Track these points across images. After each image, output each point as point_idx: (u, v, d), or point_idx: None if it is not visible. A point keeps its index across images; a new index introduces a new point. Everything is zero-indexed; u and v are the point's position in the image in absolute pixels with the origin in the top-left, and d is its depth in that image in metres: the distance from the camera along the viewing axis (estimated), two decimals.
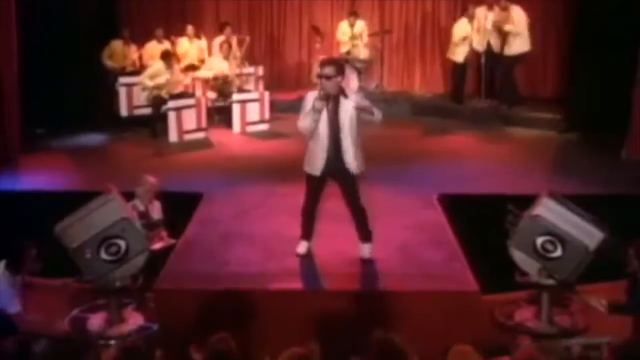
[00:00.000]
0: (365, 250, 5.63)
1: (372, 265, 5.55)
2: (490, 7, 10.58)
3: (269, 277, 5.38)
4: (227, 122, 10.23)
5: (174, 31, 11.03)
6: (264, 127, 10.21)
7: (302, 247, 5.71)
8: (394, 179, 7.65)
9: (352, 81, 10.73)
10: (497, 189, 7.34)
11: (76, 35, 10.13)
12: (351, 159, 5.32)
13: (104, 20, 10.80)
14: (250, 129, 10.07)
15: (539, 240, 5.24)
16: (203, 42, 11.26)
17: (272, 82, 11.50)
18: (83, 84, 10.17)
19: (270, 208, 6.80)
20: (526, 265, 5.35)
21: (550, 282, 5.31)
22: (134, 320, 5.44)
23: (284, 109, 10.71)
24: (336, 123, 5.25)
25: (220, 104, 10.50)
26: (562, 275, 5.22)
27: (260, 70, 11.29)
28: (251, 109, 10.11)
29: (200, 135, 9.70)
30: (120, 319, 5.41)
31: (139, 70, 10.44)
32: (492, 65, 10.76)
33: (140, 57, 10.91)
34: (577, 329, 5.33)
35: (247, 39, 11.09)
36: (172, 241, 6.07)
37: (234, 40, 10.94)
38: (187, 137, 9.57)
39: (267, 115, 10.26)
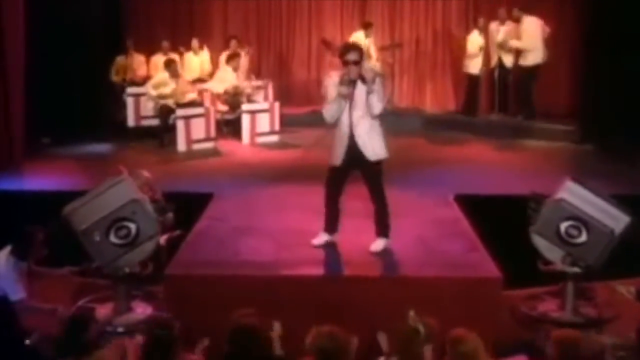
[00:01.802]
0: (379, 244, 5.53)
1: (390, 254, 5.49)
2: (502, 22, 10.68)
3: (283, 265, 5.32)
4: (237, 134, 10.22)
5: (180, 43, 11.09)
6: (274, 138, 10.20)
7: (320, 239, 5.63)
8: (409, 182, 7.62)
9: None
10: (514, 190, 7.25)
11: (83, 44, 10.19)
12: (367, 146, 5.30)
13: (111, 31, 10.88)
14: (260, 140, 10.06)
15: (563, 226, 5.15)
16: (206, 54, 11.30)
17: (281, 98, 11.48)
18: (90, 94, 10.21)
19: (283, 205, 6.75)
20: (549, 252, 5.25)
21: (575, 269, 5.20)
22: (142, 310, 5.33)
23: (293, 124, 10.73)
24: (352, 110, 5.25)
25: (230, 117, 10.50)
26: (587, 262, 5.11)
27: (270, 83, 11.30)
28: (261, 120, 10.11)
29: (209, 145, 9.70)
30: (128, 309, 5.30)
31: (145, 82, 10.47)
32: (505, 79, 10.79)
33: (147, 70, 10.94)
34: (604, 319, 5.21)
35: (249, 50, 11.16)
36: (177, 232, 5.96)
37: (243, 55, 11.01)
38: (196, 146, 9.56)
39: (277, 127, 10.26)
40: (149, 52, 11.06)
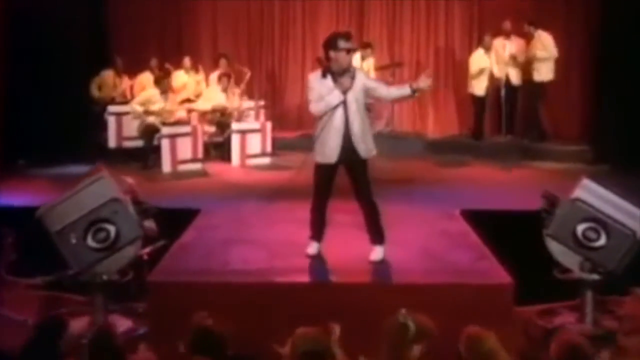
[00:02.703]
0: (378, 252, 5.42)
1: (391, 262, 5.39)
2: (507, 37, 10.73)
3: (276, 272, 5.24)
4: (226, 158, 10.16)
5: (169, 62, 11.11)
6: (265, 160, 10.14)
7: (312, 248, 5.54)
8: (411, 198, 7.65)
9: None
10: (523, 206, 7.19)
11: (63, 63, 10.21)
12: (360, 143, 5.26)
13: (94, 49, 10.91)
14: (251, 162, 9.99)
15: (580, 228, 5.07)
16: (200, 76, 11.32)
17: (273, 121, 11.45)
18: (69, 114, 10.16)
19: (273, 219, 6.72)
20: (566, 258, 5.17)
21: (595, 277, 5.10)
22: (120, 323, 5.18)
23: (285, 147, 10.68)
24: (346, 104, 5.20)
25: (218, 139, 10.46)
26: (607, 267, 5.02)
27: (261, 102, 11.30)
28: (252, 141, 10.06)
29: (196, 166, 9.61)
30: (105, 322, 5.14)
31: (129, 101, 10.44)
32: (512, 99, 10.80)
33: (131, 88, 10.94)
34: (627, 332, 5.06)
35: (248, 72, 11.17)
36: (161, 242, 5.83)
37: (233, 75, 11.04)
38: (182, 167, 9.47)
39: (269, 148, 10.21)
40: (134, 72, 11.03)
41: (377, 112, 11.45)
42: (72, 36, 10.50)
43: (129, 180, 6.04)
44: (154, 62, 10.88)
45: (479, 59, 10.87)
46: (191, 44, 12.14)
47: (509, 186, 8.57)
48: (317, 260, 5.44)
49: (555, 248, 5.17)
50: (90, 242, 4.96)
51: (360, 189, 5.37)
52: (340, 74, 5.16)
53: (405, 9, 12.30)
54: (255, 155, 10.07)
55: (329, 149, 5.25)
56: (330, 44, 5.23)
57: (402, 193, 7.80)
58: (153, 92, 9.96)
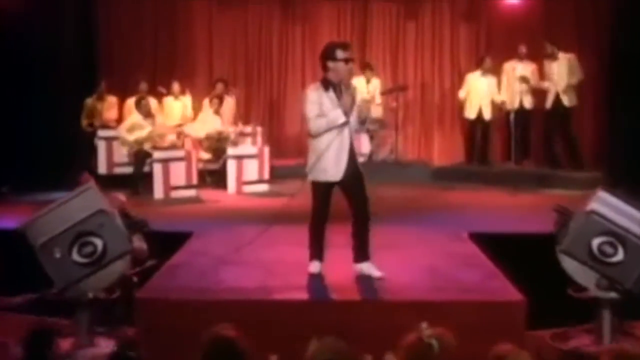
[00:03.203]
0: (369, 268, 5.39)
1: (395, 280, 5.36)
2: (520, 59, 10.77)
3: (272, 290, 5.19)
4: (221, 185, 10.14)
5: (163, 86, 11.18)
6: (263, 187, 10.12)
7: (314, 267, 5.51)
8: (417, 221, 7.65)
9: (363, 145, 10.79)
10: (535, 229, 7.17)
11: (51, 87, 10.27)
12: (357, 154, 5.47)
13: (83, 72, 10.98)
14: (248, 189, 9.97)
15: (595, 242, 5.01)
16: (188, 99, 11.36)
17: (272, 149, 11.46)
18: (57, 138, 10.19)
19: (269, 240, 6.63)
20: (580, 275, 5.10)
21: (612, 295, 5.03)
22: (106, 344, 5.11)
23: (284, 175, 10.65)
24: (348, 117, 5.29)
25: (214, 166, 10.47)
26: (625, 285, 4.95)
27: (259, 128, 11.34)
28: (248, 166, 10.05)
29: (190, 192, 9.60)
30: (91, 343, 5.08)
31: (118, 125, 10.49)
32: (524, 124, 10.79)
33: (120, 111, 10.99)
34: None
35: (234, 91, 11.23)
36: (152, 262, 5.79)
37: (228, 98, 11.09)
38: (175, 194, 9.46)
39: (266, 174, 10.20)
40: (125, 95, 11.08)
41: (380, 140, 11.51)
42: (60, 59, 10.60)
43: (122, 197, 6.04)
44: (143, 85, 10.94)
45: (472, 82, 10.97)
46: (185, 67, 12.25)
47: (519, 211, 8.51)
48: (318, 278, 5.41)
49: (569, 265, 5.11)
50: (75, 256, 4.91)
51: (359, 201, 5.38)
52: (341, 90, 5.23)
53: (408, 30, 12.45)
54: (252, 182, 10.06)
55: (336, 167, 5.29)
56: (328, 54, 5.30)
57: (408, 217, 7.83)
58: (136, 116, 10.01)
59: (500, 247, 6.43)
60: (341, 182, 5.37)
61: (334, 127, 5.22)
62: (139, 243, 6.01)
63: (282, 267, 5.73)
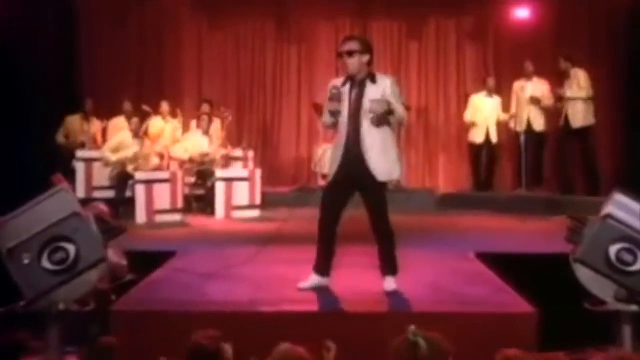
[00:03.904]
0: (390, 283, 5.38)
1: (399, 293, 5.31)
2: (529, 77, 10.79)
3: (263, 303, 5.14)
4: (209, 210, 10.09)
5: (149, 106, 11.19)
6: (254, 213, 10.05)
7: (310, 281, 5.45)
8: (423, 244, 7.60)
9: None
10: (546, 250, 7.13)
11: (28, 107, 10.25)
12: (376, 161, 5.24)
13: (63, 91, 11.00)
14: (237, 214, 9.90)
15: (613, 250, 4.89)
16: (178, 121, 11.35)
17: (265, 177, 11.43)
18: (32, 161, 10.13)
19: (259, 259, 6.60)
20: (597, 287, 4.98)
21: (633, 308, 4.93)
22: None
23: (276, 203, 10.63)
24: (358, 115, 5.23)
25: (200, 191, 10.42)
26: None
27: (251, 152, 11.32)
28: (238, 190, 9.99)
29: (175, 217, 9.53)
30: None
31: (100, 147, 10.47)
32: (535, 146, 10.78)
33: (103, 133, 10.98)
34: None
35: (229, 117, 11.23)
36: (130, 277, 5.72)
37: (216, 120, 11.11)
38: (159, 218, 9.39)
39: (258, 199, 10.14)
40: (108, 116, 11.10)
41: None
42: (38, 76, 10.59)
43: (102, 206, 5.98)
44: (127, 105, 10.97)
45: (477, 103, 11.06)
46: (173, 89, 12.33)
47: (529, 235, 8.51)
48: (312, 292, 5.36)
49: (584, 275, 4.99)
50: (45, 263, 4.79)
51: (373, 214, 5.37)
52: (361, 85, 5.25)
53: (411, 50, 12.58)
54: (242, 207, 9.99)
55: (332, 165, 5.36)
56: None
57: (410, 240, 7.72)
58: (125, 135, 10.00)
59: (510, 267, 6.37)
60: (356, 189, 5.38)
61: (341, 125, 5.27)
62: (118, 258, 5.96)
63: (273, 282, 5.68)
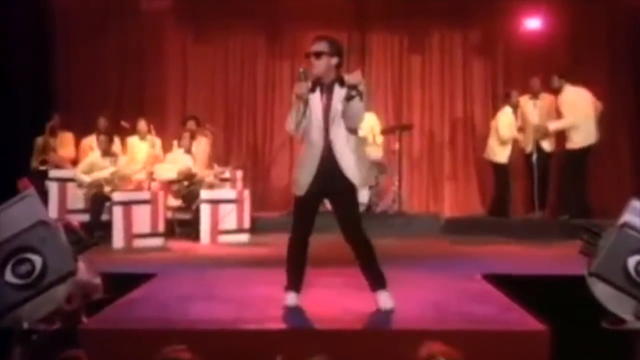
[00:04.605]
0: (383, 298, 5.33)
1: (392, 312, 5.26)
2: (535, 94, 10.78)
3: (245, 322, 5.08)
4: (193, 236, 10.02)
5: (127, 121, 11.20)
6: (242, 238, 9.99)
7: (289, 300, 5.47)
8: (426, 266, 7.62)
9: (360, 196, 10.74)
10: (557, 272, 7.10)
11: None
12: (353, 167, 5.30)
13: (35, 107, 11.00)
14: (224, 239, 9.83)
15: (632, 262, 4.83)
16: (157, 141, 11.34)
17: (255, 201, 11.40)
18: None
19: (242, 280, 6.72)
20: (615, 303, 4.90)
21: None
22: None
23: (266, 229, 10.57)
24: (328, 121, 5.28)
25: (185, 216, 10.38)
26: None
27: (239, 172, 11.30)
28: (225, 213, 9.92)
29: (155, 241, 9.47)
30: None
31: (73, 165, 10.49)
32: (545, 167, 10.77)
33: (77, 152, 11.01)
34: None
35: (210, 134, 11.23)
36: (102, 295, 5.64)
37: (202, 138, 11.12)
38: (138, 242, 9.32)
39: (247, 223, 10.09)
40: (84, 133, 11.11)
41: (380, 188, 11.41)
42: (11, 91, 10.61)
43: (75, 222, 5.92)
44: (102, 122, 10.99)
45: (509, 120, 10.96)
46: (155, 106, 12.36)
47: (543, 259, 8.50)
48: (295, 309, 5.36)
49: (601, 291, 4.92)
50: (9, 276, 4.70)
51: (349, 225, 5.38)
52: (329, 89, 5.29)
53: (414, 64, 12.64)
54: (229, 232, 9.93)
55: (303, 177, 5.37)
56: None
57: (412, 262, 7.78)
58: (95, 156, 10.00)
59: (520, 288, 6.32)
60: (325, 197, 5.44)
61: (300, 112, 5.23)
62: (89, 275, 5.88)
63: (257, 301, 5.68)
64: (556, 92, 10.55)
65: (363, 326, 5.03)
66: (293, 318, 5.18)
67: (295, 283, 5.47)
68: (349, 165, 5.28)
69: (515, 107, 10.96)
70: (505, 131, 10.93)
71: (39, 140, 10.89)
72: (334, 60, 5.29)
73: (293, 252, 5.45)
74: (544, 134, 10.58)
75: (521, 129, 10.85)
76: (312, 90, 5.29)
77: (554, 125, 10.44)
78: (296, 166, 5.54)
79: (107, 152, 9.99)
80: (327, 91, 5.28)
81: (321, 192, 5.36)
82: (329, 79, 5.29)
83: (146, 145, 11.23)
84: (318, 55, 5.25)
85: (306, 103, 5.21)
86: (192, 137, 10.76)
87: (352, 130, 5.32)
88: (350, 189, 5.34)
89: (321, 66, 5.25)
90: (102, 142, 10.08)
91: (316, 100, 5.27)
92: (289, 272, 5.48)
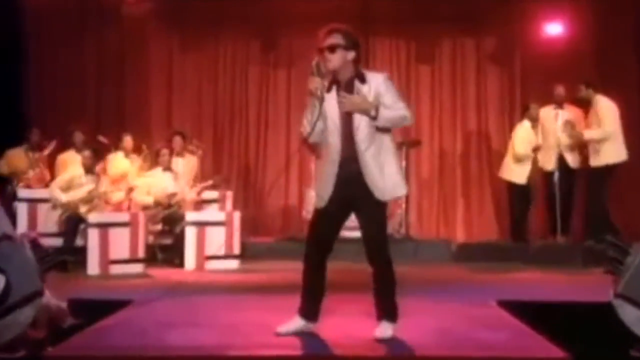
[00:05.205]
0: (384, 329, 5.30)
1: (401, 339, 5.25)
2: (560, 104, 10.80)
3: (238, 348, 5.06)
4: (177, 262, 9.98)
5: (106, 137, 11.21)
6: (231, 264, 9.94)
7: (291, 324, 5.41)
8: (435, 293, 7.67)
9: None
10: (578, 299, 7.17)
11: None
12: (373, 178, 5.18)
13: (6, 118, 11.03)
14: (211, 265, 9.78)
15: None
16: (142, 158, 11.33)
17: (246, 227, 11.35)
18: None
19: (235, 306, 6.66)
20: None
21: None
22: None
23: (259, 255, 10.57)
24: (350, 124, 5.19)
25: (167, 240, 10.35)
26: None
27: (228, 193, 11.28)
28: (213, 237, 9.88)
29: (134, 268, 9.42)
30: None
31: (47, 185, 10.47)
32: (569, 186, 10.75)
33: (50, 168, 11.03)
34: None
35: (199, 150, 11.22)
36: (71, 321, 5.62)
37: (189, 156, 11.11)
38: (116, 269, 9.28)
39: (236, 248, 10.06)
40: (58, 150, 11.13)
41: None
42: None
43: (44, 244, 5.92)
44: (78, 136, 11.01)
45: (527, 135, 10.94)
46: (138, 120, 12.41)
47: (564, 286, 8.51)
48: (293, 336, 5.31)
49: (628, 314, 4.92)
50: None
51: (370, 240, 5.29)
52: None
53: (422, 74, 12.69)
54: (217, 257, 9.88)
55: (323, 187, 5.29)
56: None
57: (420, 289, 7.75)
58: (76, 171, 9.98)
59: (538, 315, 6.31)
60: (350, 210, 5.33)
61: (315, 111, 5.19)
62: (56, 301, 5.86)
63: (244, 328, 5.65)
64: (581, 103, 10.56)
65: (365, 353, 4.99)
66: (286, 344, 5.13)
67: (306, 309, 5.39)
68: (371, 175, 5.15)
69: (535, 121, 10.95)
70: (521, 147, 10.93)
71: (11, 154, 10.89)
72: (351, 55, 5.21)
73: (308, 273, 5.35)
74: (577, 141, 10.60)
75: (537, 149, 10.86)
76: (328, 90, 5.22)
77: (590, 134, 10.44)
78: (315, 179, 5.42)
79: (89, 170, 9.95)
80: (347, 90, 5.17)
81: (345, 204, 5.24)
82: (346, 76, 5.22)
83: (131, 164, 11.24)
84: (332, 49, 5.17)
85: (322, 101, 5.15)
86: (178, 154, 10.73)
87: (383, 129, 5.20)
88: (373, 202, 5.20)
89: (336, 61, 5.17)
90: (86, 158, 10.03)
91: (332, 100, 5.19)
92: (302, 296, 5.40)
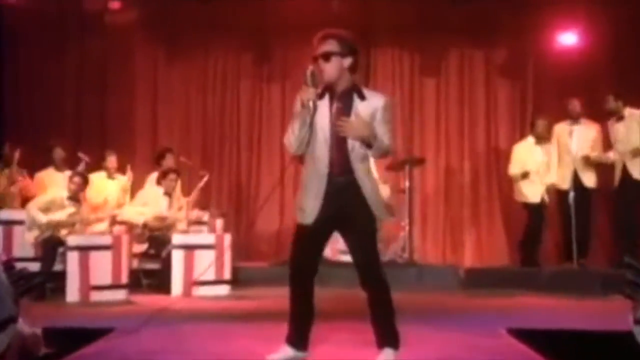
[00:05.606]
0: (387, 357, 5.26)
1: None
2: (575, 120, 10.82)
3: None
4: (163, 288, 9.95)
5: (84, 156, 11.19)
6: (221, 290, 9.93)
7: (280, 354, 5.36)
8: (440, 321, 7.69)
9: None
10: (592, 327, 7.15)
11: None
12: (371, 193, 5.17)
13: None
14: (200, 291, 9.77)
15: None
16: (127, 180, 11.32)
17: (237, 252, 11.33)
18: None
19: (222, 335, 6.65)
20: None
21: None
22: None
23: (251, 281, 10.55)
24: (342, 138, 5.13)
25: (153, 265, 10.33)
26: None
27: (219, 217, 11.27)
28: (202, 261, 9.83)
29: (117, 294, 9.40)
30: None
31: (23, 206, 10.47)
32: (585, 207, 10.74)
33: (25, 188, 11.03)
34: None
35: (205, 175, 11.21)
36: (45, 350, 5.59)
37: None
38: (97, 296, 9.25)
39: (227, 273, 10.05)
40: (35, 168, 11.14)
41: (388, 233, 11.36)
42: None
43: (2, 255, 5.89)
44: (58, 153, 11.04)
45: (525, 153, 10.99)
46: (120, 137, 12.42)
47: (580, 314, 8.48)
48: None
49: None
50: None
51: (363, 263, 5.26)
52: (343, 98, 5.19)
53: (427, 87, 12.74)
54: (206, 283, 9.85)
55: (307, 203, 5.21)
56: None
57: (424, 317, 7.75)
58: (58, 193, 9.97)
59: (550, 344, 6.30)
60: (335, 229, 5.32)
61: (304, 123, 5.10)
62: (29, 328, 5.82)
63: (235, 357, 5.69)
64: (612, 114, 10.59)
65: None
66: None
67: (294, 337, 5.37)
68: (368, 189, 5.14)
69: (540, 138, 11.02)
70: (515, 167, 11.10)
71: None
72: (347, 62, 5.17)
73: (294, 297, 5.33)
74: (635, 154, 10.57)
75: (525, 175, 10.94)
76: (320, 97, 5.16)
77: (621, 147, 10.53)
78: (300, 190, 5.30)
79: (75, 196, 9.93)
80: (342, 101, 5.15)
81: (331, 222, 5.19)
82: (343, 86, 5.18)
83: (116, 185, 11.23)
84: (326, 57, 5.14)
85: (313, 114, 5.08)
86: (177, 175, 10.73)
87: (379, 154, 5.23)
88: (367, 218, 5.18)
89: (332, 71, 5.13)
90: (76, 184, 9.99)
91: (324, 108, 5.14)
92: (289, 322, 5.38)
